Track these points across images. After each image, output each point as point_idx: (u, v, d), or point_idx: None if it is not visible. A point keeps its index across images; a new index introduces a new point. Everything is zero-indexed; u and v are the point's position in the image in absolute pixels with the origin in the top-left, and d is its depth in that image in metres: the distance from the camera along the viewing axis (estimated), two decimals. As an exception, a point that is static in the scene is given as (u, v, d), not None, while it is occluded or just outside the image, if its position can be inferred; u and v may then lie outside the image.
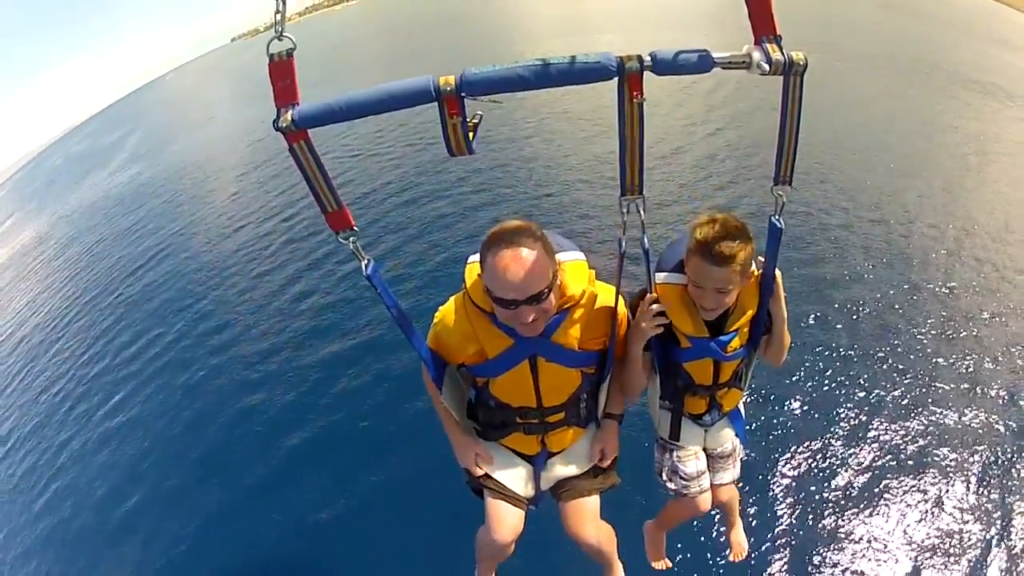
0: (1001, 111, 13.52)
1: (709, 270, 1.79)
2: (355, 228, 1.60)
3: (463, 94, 1.39)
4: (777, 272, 1.89)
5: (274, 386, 6.80)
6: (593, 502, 2.09)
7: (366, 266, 1.65)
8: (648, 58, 1.38)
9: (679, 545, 3.94)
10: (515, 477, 2.10)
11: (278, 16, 1.24)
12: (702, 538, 4.12)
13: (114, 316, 10.09)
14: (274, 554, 4.96)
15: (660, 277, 1.97)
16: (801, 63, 1.41)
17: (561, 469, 2.12)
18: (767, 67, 1.39)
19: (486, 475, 2.08)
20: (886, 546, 4.18)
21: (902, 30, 22.96)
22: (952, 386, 5.47)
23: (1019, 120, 13.03)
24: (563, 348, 1.87)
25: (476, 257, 1.83)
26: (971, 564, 4.04)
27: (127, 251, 13.13)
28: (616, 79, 1.40)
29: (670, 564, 2.85)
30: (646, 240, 1.69)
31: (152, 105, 63.22)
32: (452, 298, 1.97)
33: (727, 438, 2.33)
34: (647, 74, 1.41)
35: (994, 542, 4.16)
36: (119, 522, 5.74)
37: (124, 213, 16.69)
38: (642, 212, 1.60)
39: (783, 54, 1.39)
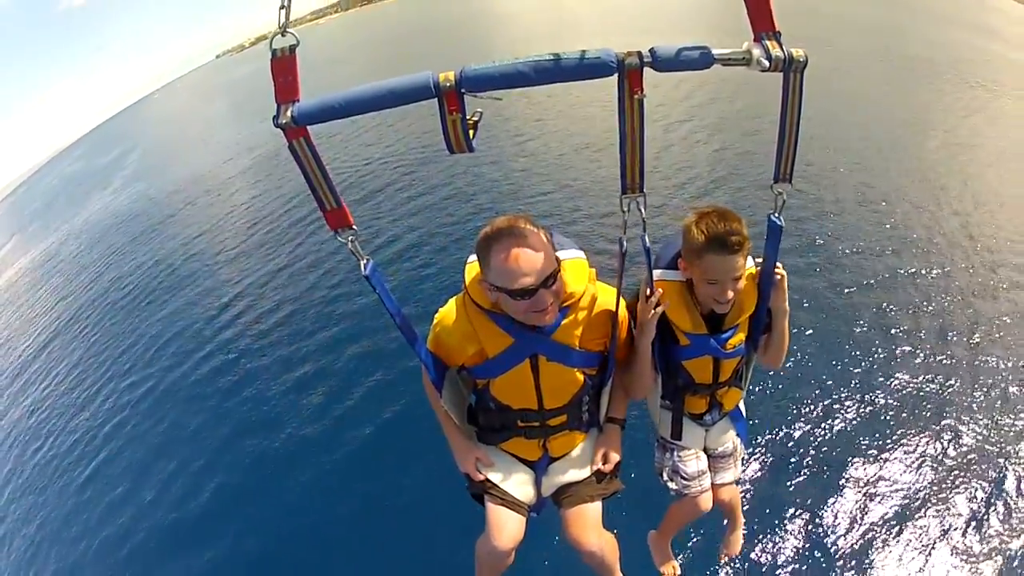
0: (990, 101, 13.70)
1: (726, 260, 1.80)
2: (354, 227, 1.59)
3: (463, 90, 1.39)
4: (781, 267, 1.90)
5: (269, 392, 6.78)
6: (595, 508, 2.05)
7: (365, 265, 1.64)
8: (648, 54, 1.39)
9: (685, 552, 3.92)
10: (516, 482, 2.06)
11: (282, 12, 1.25)
12: (707, 541, 4.09)
13: (128, 325, 10.09)
14: (268, 562, 4.92)
15: (657, 274, 1.97)
16: (801, 60, 1.41)
17: (563, 474, 2.08)
18: (767, 63, 1.40)
19: (486, 480, 2.04)
20: (887, 543, 4.16)
21: (893, 23, 23.10)
22: (954, 379, 5.46)
23: (1004, 109, 13.26)
24: (564, 347, 1.85)
25: (475, 257, 1.83)
26: (973, 566, 4.01)
27: (145, 264, 13.00)
28: (616, 75, 1.41)
29: (679, 569, 2.79)
30: (647, 238, 1.69)
31: (143, 124, 62.72)
32: (452, 299, 1.96)
33: (728, 438, 2.32)
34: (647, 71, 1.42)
35: (1001, 542, 4.13)
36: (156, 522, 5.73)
37: (135, 227, 16.60)
38: (643, 210, 1.60)
39: (783, 51, 1.40)
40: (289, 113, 1.37)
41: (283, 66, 1.34)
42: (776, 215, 1.73)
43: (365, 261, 1.64)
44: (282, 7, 1.24)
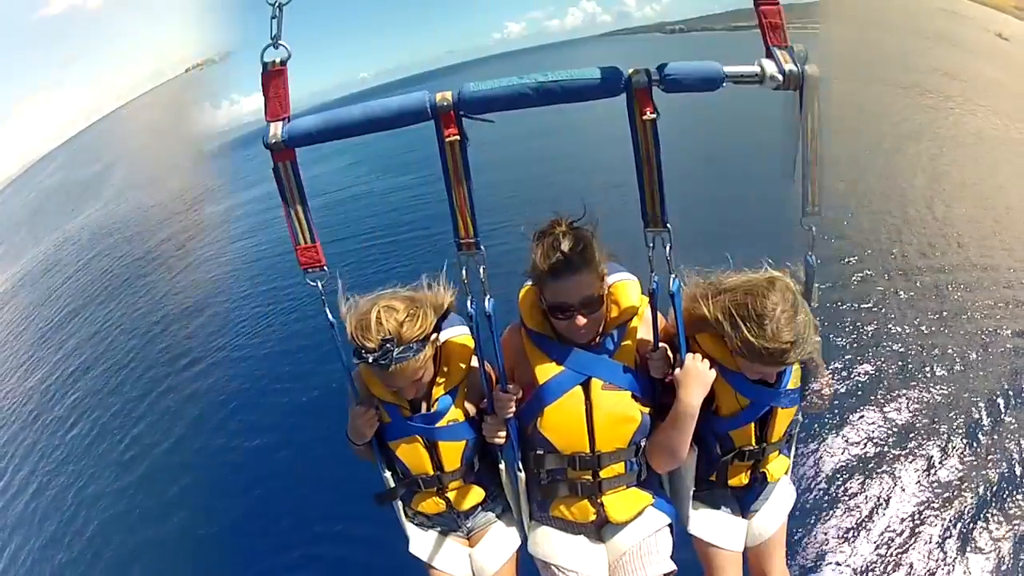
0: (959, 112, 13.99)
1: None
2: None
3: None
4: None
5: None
6: None
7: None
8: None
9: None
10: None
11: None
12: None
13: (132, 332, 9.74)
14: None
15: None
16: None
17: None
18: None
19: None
20: (891, 535, 3.94)
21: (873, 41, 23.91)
22: (954, 372, 5.30)
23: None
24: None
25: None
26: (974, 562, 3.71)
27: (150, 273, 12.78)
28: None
29: None
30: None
31: (121, 137, 62.11)
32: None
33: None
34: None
35: (1008, 543, 3.80)
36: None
37: (137, 231, 16.54)
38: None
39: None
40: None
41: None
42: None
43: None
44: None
